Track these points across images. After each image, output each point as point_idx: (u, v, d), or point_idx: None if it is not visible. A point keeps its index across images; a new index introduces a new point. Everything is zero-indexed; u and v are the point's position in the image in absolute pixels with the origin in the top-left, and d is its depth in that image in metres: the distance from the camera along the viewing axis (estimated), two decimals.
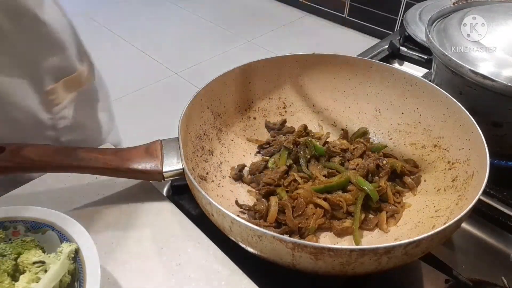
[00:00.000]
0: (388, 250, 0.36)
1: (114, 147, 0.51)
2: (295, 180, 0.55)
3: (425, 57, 0.89)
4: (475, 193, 0.42)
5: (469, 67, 0.54)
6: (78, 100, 0.67)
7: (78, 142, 0.68)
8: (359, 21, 2.85)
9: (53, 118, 0.63)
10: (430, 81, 0.60)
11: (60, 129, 0.65)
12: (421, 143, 0.59)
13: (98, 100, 0.73)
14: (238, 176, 0.58)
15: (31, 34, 0.57)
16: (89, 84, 0.69)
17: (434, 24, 0.67)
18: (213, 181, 0.55)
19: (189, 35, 2.89)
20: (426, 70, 0.87)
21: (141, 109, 2.14)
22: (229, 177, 0.58)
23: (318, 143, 0.58)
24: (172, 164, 0.48)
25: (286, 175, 0.57)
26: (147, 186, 0.54)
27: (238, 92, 0.62)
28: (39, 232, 0.41)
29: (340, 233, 0.51)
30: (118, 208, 0.51)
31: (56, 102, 0.62)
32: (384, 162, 0.56)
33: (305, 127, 0.64)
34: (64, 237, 0.40)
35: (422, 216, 0.51)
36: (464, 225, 0.57)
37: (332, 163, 0.57)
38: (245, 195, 0.57)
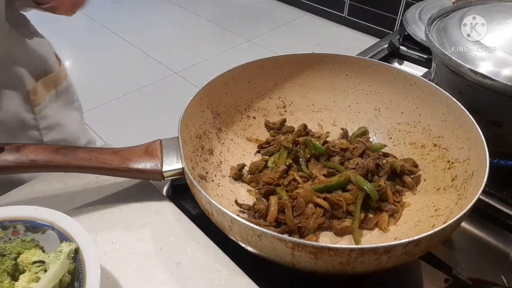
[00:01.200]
0: (388, 249, 0.36)
1: (114, 147, 0.51)
2: (295, 180, 0.55)
3: (425, 56, 0.89)
4: (475, 193, 0.42)
5: (469, 67, 0.54)
6: (56, 99, 0.68)
7: (60, 142, 0.69)
8: (359, 21, 2.85)
9: (35, 118, 0.64)
10: (429, 80, 0.59)
11: (43, 129, 0.66)
12: (421, 143, 0.59)
13: (72, 99, 0.74)
14: (238, 175, 0.58)
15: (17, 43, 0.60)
16: (64, 82, 0.71)
17: (433, 23, 0.67)
18: (212, 180, 0.55)
19: (189, 35, 2.89)
20: (426, 70, 0.87)
21: (141, 109, 2.14)
22: (229, 176, 0.58)
23: (317, 143, 0.58)
24: (172, 164, 0.48)
25: (285, 174, 0.57)
26: (147, 186, 0.54)
27: (237, 91, 0.62)
28: (39, 232, 0.41)
29: (340, 233, 0.51)
30: (118, 208, 0.51)
31: (37, 102, 0.64)
32: (384, 161, 0.56)
33: (304, 126, 0.64)
34: (64, 237, 0.40)
35: (422, 215, 0.51)
36: (463, 224, 0.57)
37: (332, 163, 0.57)
38: (245, 194, 0.57)
